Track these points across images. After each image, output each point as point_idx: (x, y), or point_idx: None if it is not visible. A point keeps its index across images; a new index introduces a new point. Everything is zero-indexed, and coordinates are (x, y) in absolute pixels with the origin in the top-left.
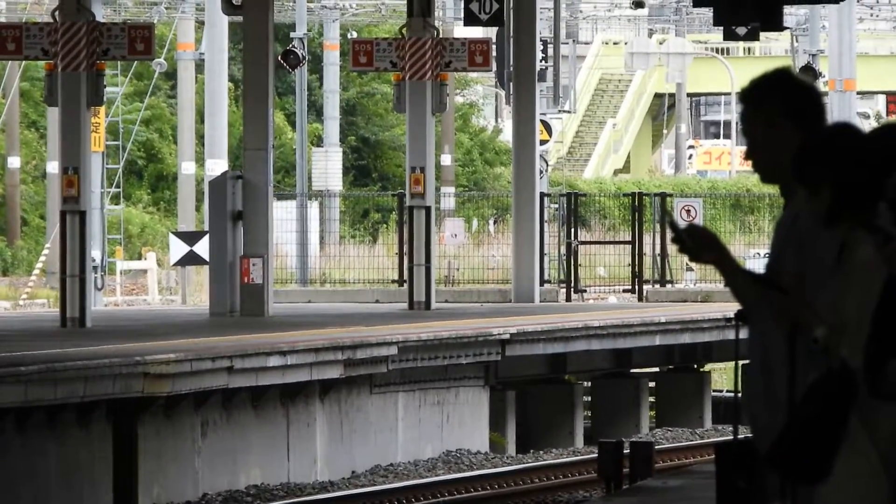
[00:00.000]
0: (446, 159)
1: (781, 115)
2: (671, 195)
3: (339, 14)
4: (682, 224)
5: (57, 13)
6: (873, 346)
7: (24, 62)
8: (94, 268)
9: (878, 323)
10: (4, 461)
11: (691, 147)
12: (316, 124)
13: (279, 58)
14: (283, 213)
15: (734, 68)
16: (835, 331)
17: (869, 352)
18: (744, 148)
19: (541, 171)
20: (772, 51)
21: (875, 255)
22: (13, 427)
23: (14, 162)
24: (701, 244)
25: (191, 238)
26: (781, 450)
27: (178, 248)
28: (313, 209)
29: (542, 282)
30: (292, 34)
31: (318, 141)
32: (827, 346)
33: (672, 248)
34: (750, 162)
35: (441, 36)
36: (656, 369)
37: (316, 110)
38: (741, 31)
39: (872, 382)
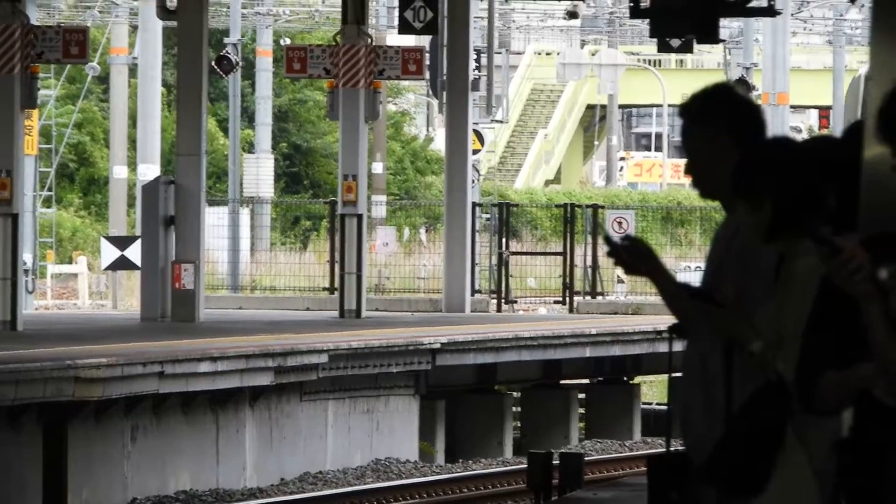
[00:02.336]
0: (378, 167)
1: (722, 130)
2: (603, 207)
3: (273, 20)
4: (615, 237)
5: None
6: (805, 360)
7: None
8: (26, 271)
9: (809, 336)
10: None
11: (622, 159)
12: (248, 130)
13: (212, 63)
14: (214, 219)
15: (666, 80)
16: (771, 344)
17: (801, 366)
18: (676, 161)
19: (472, 181)
20: (704, 63)
21: (814, 268)
22: None
23: None
24: (637, 257)
25: (122, 242)
26: (717, 462)
27: (110, 253)
28: (244, 215)
29: (473, 292)
30: (226, 40)
31: (249, 147)
32: (763, 360)
33: (603, 260)
34: (689, 176)
35: (375, 44)
36: (586, 381)
37: (248, 116)
38: (675, 43)
39: (804, 397)
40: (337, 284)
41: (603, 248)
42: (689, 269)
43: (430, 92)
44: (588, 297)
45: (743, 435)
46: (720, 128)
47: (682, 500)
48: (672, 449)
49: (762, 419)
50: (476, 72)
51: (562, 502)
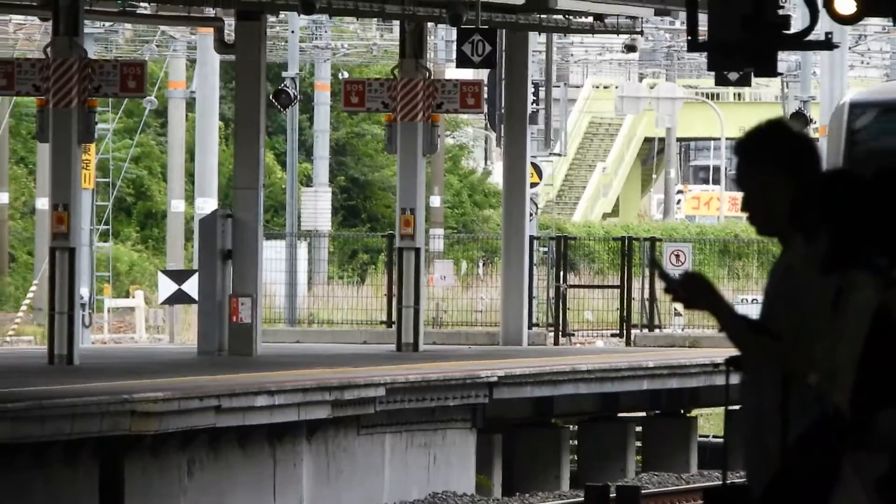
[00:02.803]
0: (436, 201)
1: (776, 167)
2: (660, 240)
3: (331, 54)
4: (670, 270)
5: (49, 49)
6: (860, 395)
7: (13, 98)
8: (83, 305)
9: (865, 371)
10: None
11: (680, 192)
12: (306, 164)
13: (270, 97)
14: (272, 253)
15: (724, 113)
16: (828, 377)
17: (856, 401)
18: (734, 194)
19: (530, 214)
20: (762, 96)
21: (871, 300)
22: (0, 464)
23: (2, 197)
24: (694, 291)
25: (179, 276)
26: (774, 496)
27: (167, 287)
28: (302, 249)
29: (531, 325)
30: (284, 73)
31: (307, 181)
32: (820, 393)
33: (661, 293)
34: (746, 213)
35: (433, 77)
36: (643, 414)
37: (306, 150)
38: (733, 76)
39: (859, 434)
40: (394, 318)
41: (660, 282)
42: (746, 301)
43: (488, 125)
44: (645, 330)
45: (799, 468)
46: (776, 165)
47: None
48: (729, 482)
49: (818, 453)
50: (534, 105)
51: None
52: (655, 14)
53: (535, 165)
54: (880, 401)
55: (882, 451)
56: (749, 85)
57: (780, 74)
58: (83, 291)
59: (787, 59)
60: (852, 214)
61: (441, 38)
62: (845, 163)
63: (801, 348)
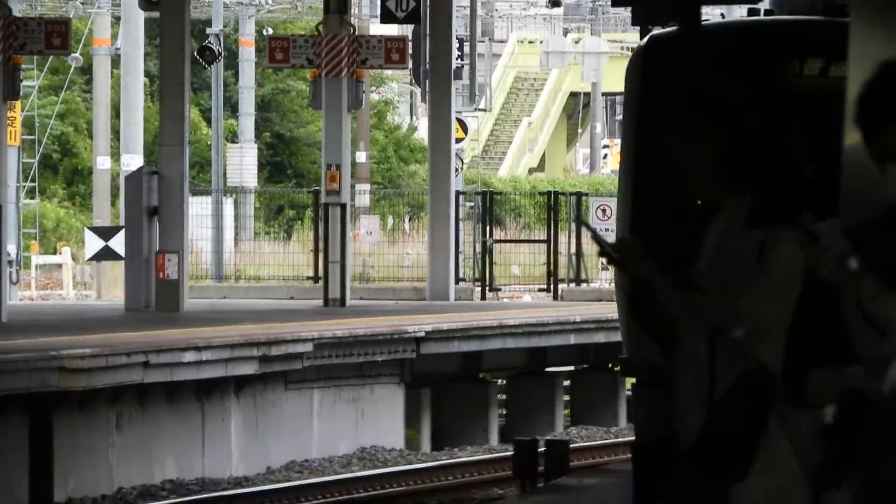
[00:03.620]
0: (361, 156)
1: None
2: (587, 194)
3: (255, 10)
4: (596, 224)
5: None
6: (791, 354)
7: None
8: (10, 262)
9: (795, 330)
10: None
11: (606, 146)
12: (231, 120)
13: (195, 53)
14: (198, 209)
15: None
16: (753, 332)
17: (787, 360)
18: None
19: (456, 170)
20: None
21: (796, 256)
22: None
23: None
24: (627, 255)
25: (106, 233)
26: (701, 448)
27: (94, 243)
28: (228, 205)
29: (458, 280)
30: (208, 30)
31: (233, 137)
32: (746, 348)
33: (588, 247)
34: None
35: (357, 33)
36: (571, 368)
37: (231, 106)
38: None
39: (792, 392)
40: (321, 273)
41: (586, 236)
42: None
43: (413, 81)
44: (572, 285)
45: (726, 421)
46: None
47: (667, 487)
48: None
49: (745, 406)
50: (459, 60)
51: (547, 489)
52: None
53: (460, 121)
54: (811, 360)
55: (813, 408)
56: None
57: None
58: (10, 248)
59: (711, 13)
60: (779, 171)
61: None
62: (642, 112)
63: (726, 303)
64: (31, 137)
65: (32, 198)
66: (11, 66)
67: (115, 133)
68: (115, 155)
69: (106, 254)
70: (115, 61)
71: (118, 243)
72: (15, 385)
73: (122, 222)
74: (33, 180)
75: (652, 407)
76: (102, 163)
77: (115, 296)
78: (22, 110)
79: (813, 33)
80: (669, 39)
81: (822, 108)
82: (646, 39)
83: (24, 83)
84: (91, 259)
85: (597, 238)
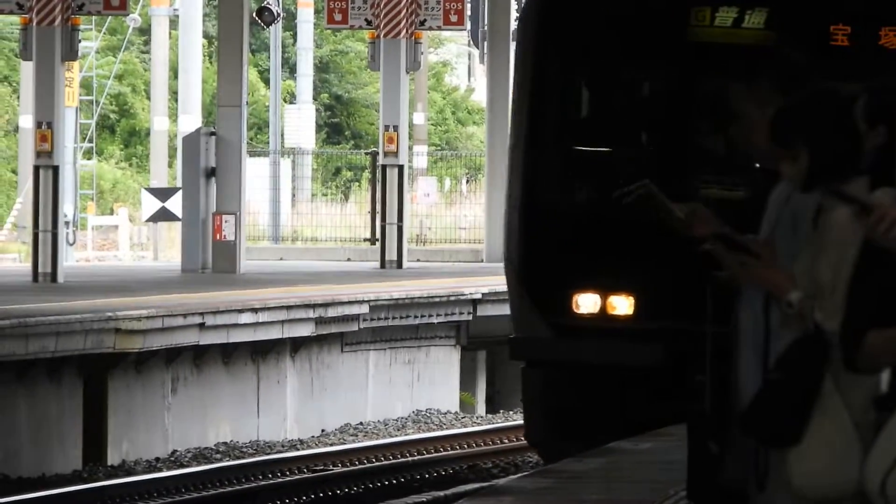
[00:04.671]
0: (419, 118)
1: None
2: None
3: None
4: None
5: None
6: (849, 317)
7: None
8: (66, 223)
9: (855, 295)
10: None
11: None
12: (289, 81)
13: (254, 14)
14: (255, 171)
15: None
16: (809, 295)
17: (845, 323)
18: None
19: None
20: None
21: (851, 219)
22: None
23: None
24: (699, 222)
25: (163, 194)
26: (755, 413)
27: (151, 204)
28: (286, 166)
29: None
30: None
31: (291, 98)
32: (801, 311)
33: None
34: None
35: None
36: None
37: (289, 67)
38: None
39: (849, 356)
40: (378, 235)
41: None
42: None
43: (472, 42)
44: None
45: (780, 385)
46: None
47: (722, 451)
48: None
49: (799, 370)
50: (517, 21)
51: (603, 452)
52: None
53: None
54: (867, 323)
55: (870, 373)
56: None
57: None
58: (67, 209)
59: None
60: (832, 132)
61: None
62: (537, 60)
63: (780, 266)
64: (89, 98)
65: (89, 158)
66: (70, 26)
67: (173, 94)
68: (173, 116)
69: (163, 215)
70: (174, 22)
71: (175, 204)
72: (70, 346)
73: (179, 183)
74: (91, 141)
75: (542, 389)
76: (160, 124)
77: (172, 257)
78: (80, 71)
79: None
80: None
81: None
82: None
83: (83, 44)
84: (148, 220)
85: (664, 204)
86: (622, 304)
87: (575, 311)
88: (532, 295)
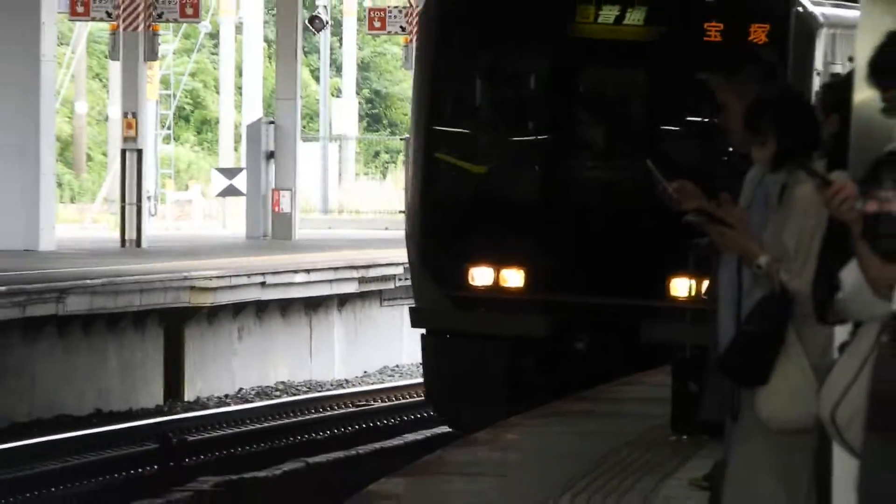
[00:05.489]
0: None
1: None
2: None
3: None
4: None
5: None
6: (819, 278)
7: (90, 23)
8: (149, 197)
9: (824, 259)
10: (73, 360)
11: None
12: (336, 79)
13: (306, 22)
14: (307, 153)
15: None
16: (776, 259)
17: (817, 284)
18: None
19: None
20: None
21: (813, 194)
22: (80, 331)
23: (81, 107)
24: (685, 195)
25: (230, 173)
26: (730, 358)
27: (219, 182)
28: (333, 150)
29: None
30: (317, 2)
31: (338, 93)
32: (769, 272)
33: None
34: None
35: None
36: None
37: (336, 67)
38: None
39: (820, 311)
40: None
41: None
42: None
43: None
44: None
45: (751, 335)
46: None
47: (700, 390)
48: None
49: (767, 322)
50: None
51: (596, 392)
52: None
53: None
54: (835, 283)
55: (838, 325)
56: None
57: None
58: (149, 186)
59: None
60: (794, 122)
61: None
62: (436, 53)
63: (750, 235)
64: (167, 92)
65: (168, 143)
66: (151, 32)
67: (238, 89)
68: (238, 107)
69: (230, 190)
70: (238, 28)
71: (240, 181)
72: (152, 301)
73: (243, 164)
74: (169, 129)
75: (439, 355)
76: (227, 114)
77: (237, 227)
78: (160, 70)
79: None
80: None
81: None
82: None
83: (162, 46)
84: (217, 195)
85: (656, 179)
86: (513, 278)
87: (470, 283)
88: (430, 268)
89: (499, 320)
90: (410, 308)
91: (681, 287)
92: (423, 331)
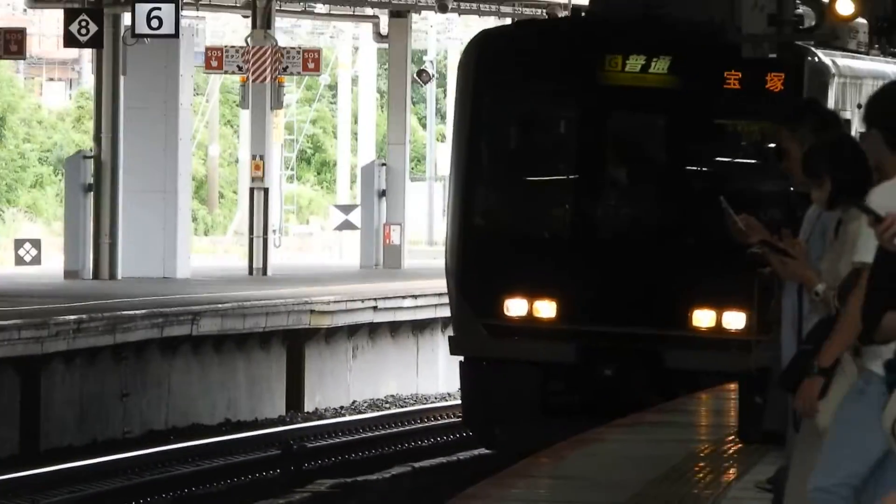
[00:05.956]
0: None
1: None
2: None
3: (460, 42)
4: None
5: (248, 39)
6: (868, 302)
7: (223, 75)
8: (274, 231)
9: (870, 284)
10: (206, 375)
11: None
12: (441, 125)
13: (415, 75)
14: (415, 192)
15: None
16: (832, 287)
17: (865, 307)
18: None
19: None
20: None
21: (864, 228)
22: (212, 349)
23: (214, 150)
24: (751, 228)
25: (347, 209)
26: (791, 374)
27: (337, 217)
28: (438, 188)
29: None
30: (424, 57)
31: (442, 138)
32: (825, 299)
33: None
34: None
35: None
36: None
37: (441, 115)
38: None
39: (869, 331)
40: None
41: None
42: None
43: None
44: None
45: (810, 353)
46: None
47: (764, 403)
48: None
49: (824, 342)
50: None
51: (667, 407)
52: None
53: None
54: (883, 307)
55: (884, 343)
56: None
57: None
58: (274, 220)
59: None
60: (850, 167)
61: None
62: (474, 99)
63: (811, 264)
64: (291, 137)
65: (291, 182)
66: (277, 83)
67: (354, 134)
68: (354, 150)
69: (346, 225)
70: (355, 80)
71: (356, 217)
72: (277, 323)
73: (358, 201)
74: (292, 169)
75: (476, 380)
76: (344, 156)
77: (353, 257)
78: (284, 117)
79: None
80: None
81: None
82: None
83: (286, 96)
84: (335, 229)
85: (730, 215)
86: (546, 308)
87: (505, 313)
88: (469, 300)
89: (532, 348)
90: (449, 337)
91: (702, 318)
92: (462, 358)
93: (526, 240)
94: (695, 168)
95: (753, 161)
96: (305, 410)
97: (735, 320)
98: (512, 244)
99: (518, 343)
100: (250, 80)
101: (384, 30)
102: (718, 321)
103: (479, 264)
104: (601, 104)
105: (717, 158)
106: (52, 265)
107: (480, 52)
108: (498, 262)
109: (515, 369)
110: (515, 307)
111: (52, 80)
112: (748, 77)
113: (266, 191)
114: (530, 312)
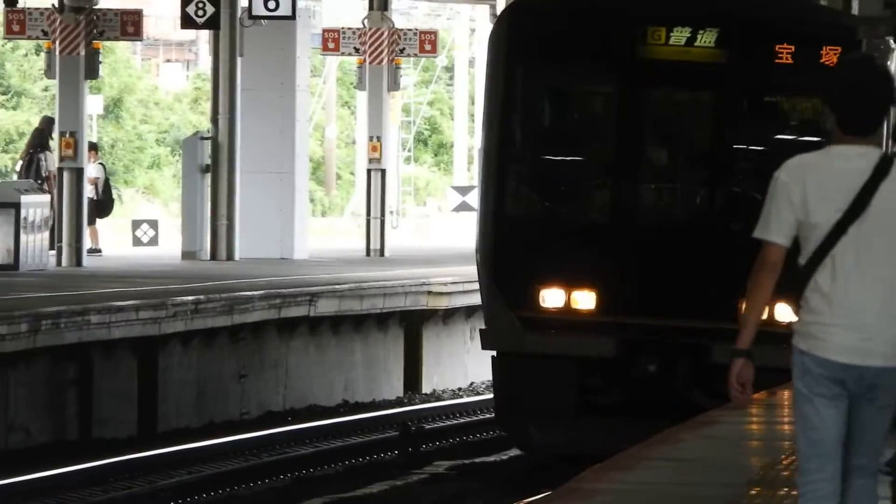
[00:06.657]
0: None
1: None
2: None
3: None
4: None
5: (366, 21)
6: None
7: (340, 57)
8: (391, 212)
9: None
10: (323, 356)
11: None
12: None
13: None
14: None
15: None
16: None
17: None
18: None
19: None
20: None
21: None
22: (329, 330)
23: (331, 131)
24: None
25: (464, 191)
26: None
27: (454, 199)
28: None
29: None
30: None
31: None
32: None
33: None
34: None
35: None
36: None
37: None
38: None
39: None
40: None
41: None
42: None
43: None
44: None
45: None
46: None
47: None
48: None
49: None
50: None
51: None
52: None
53: None
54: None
55: None
56: None
57: None
58: (391, 202)
59: None
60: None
61: None
62: (506, 75)
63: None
64: (408, 119)
65: (408, 164)
66: (394, 65)
67: (471, 116)
68: (471, 132)
69: (463, 206)
70: (471, 62)
71: (473, 198)
72: (394, 304)
73: (475, 182)
74: (409, 151)
75: (509, 376)
76: (461, 138)
77: (470, 238)
78: (401, 99)
79: None
80: None
81: None
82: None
83: (403, 78)
84: (452, 210)
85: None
86: (584, 299)
87: (541, 305)
88: (502, 291)
89: (569, 342)
90: (481, 330)
91: None
92: (494, 353)
93: (562, 226)
94: (743, 148)
95: (806, 140)
96: (423, 392)
97: (788, 312)
98: (548, 231)
99: (555, 336)
100: (367, 62)
101: (499, 9)
102: (770, 313)
103: (512, 252)
104: (643, 80)
105: (768, 137)
106: (170, 246)
107: (512, 23)
108: (533, 249)
109: (551, 364)
110: (552, 298)
111: (168, 61)
112: (801, 51)
113: (383, 172)
114: (567, 304)
